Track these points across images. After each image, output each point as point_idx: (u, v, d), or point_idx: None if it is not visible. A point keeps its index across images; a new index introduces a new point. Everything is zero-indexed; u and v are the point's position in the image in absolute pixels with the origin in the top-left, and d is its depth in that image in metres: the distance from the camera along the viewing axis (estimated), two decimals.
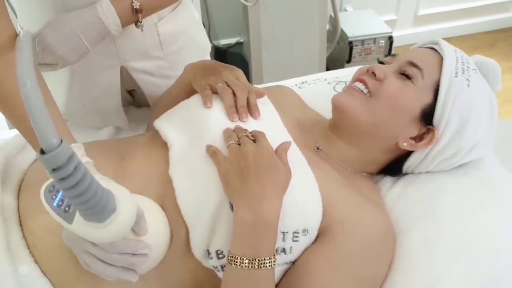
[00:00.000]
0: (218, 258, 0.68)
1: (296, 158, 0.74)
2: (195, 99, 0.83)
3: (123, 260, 0.62)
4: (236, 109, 0.79)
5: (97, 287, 0.70)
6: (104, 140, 0.99)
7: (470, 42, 2.88)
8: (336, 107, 0.82)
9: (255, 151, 0.68)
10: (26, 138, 0.76)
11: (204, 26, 2.17)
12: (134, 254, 0.62)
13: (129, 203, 0.57)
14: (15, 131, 0.80)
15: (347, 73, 1.16)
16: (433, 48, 0.85)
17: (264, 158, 0.67)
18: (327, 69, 2.36)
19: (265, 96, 0.86)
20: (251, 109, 0.80)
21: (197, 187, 0.71)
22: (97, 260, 0.62)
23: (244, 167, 0.66)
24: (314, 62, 2.23)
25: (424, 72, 0.79)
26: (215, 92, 0.82)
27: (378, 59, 0.89)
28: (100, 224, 0.53)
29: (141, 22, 0.86)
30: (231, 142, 0.70)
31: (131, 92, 1.14)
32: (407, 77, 0.80)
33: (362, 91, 0.82)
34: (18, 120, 0.74)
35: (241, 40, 2.60)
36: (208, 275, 0.71)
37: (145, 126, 1.08)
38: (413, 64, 0.80)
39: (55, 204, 0.56)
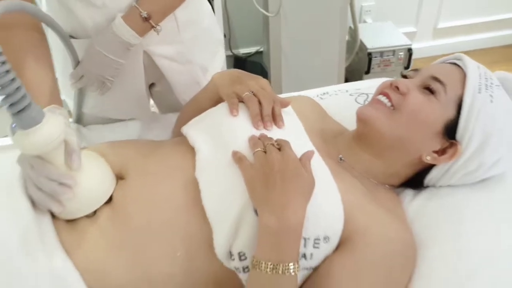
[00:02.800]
0: (240, 260, 0.70)
1: (319, 167, 0.76)
2: (222, 108, 0.85)
3: (48, 186, 0.70)
4: (261, 118, 0.81)
5: (129, 275, 0.72)
6: (130, 140, 1.02)
7: (489, 56, 2.86)
8: (361, 119, 0.84)
9: (281, 160, 0.69)
10: None
11: (225, 36, 2.20)
12: (60, 184, 0.71)
13: (57, 127, 0.67)
14: None
15: (368, 85, 1.18)
16: (456, 64, 0.86)
17: (289, 166, 0.69)
18: (346, 80, 2.37)
19: (289, 106, 0.88)
20: (275, 119, 0.82)
21: (223, 190, 0.73)
22: (32, 184, 0.72)
23: (269, 174, 0.68)
24: (333, 73, 2.25)
25: (447, 88, 0.80)
26: (241, 100, 0.84)
27: (401, 73, 0.90)
28: (24, 131, 0.64)
29: (155, 27, 0.96)
30: (257, 150, 0.72)
31: (150, 90, 1.19)
32: (431, 91, 0.81)
33: (385, 104, 0.83)
34: None
35: (261, 50, 2.63)
36: (228, 275, 0.73)
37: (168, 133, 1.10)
38: (436, 79, 0.81)
39: (12, 126, 0.67)
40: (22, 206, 0.73)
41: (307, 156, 0.73)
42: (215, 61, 1.20)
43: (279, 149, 0.72)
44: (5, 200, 0.75)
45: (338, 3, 2.04)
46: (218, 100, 0.92)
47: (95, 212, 0.76)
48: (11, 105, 0.61)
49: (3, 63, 0.57)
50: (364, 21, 2.67)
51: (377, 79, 1.29)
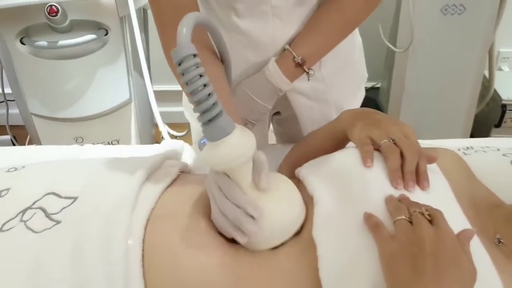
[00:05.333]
0: None
1: (478, 253, 0.58)
2: (350, 154, 0.71)
3: (233, 213, 0.60)
4: (402, 174, 0.65)
5: None
6: None
7: None
8: None
9: (434, 237, 0.53)
10: None
11: None
12: (246, 213, 0.60)
13: (248, 139, 0.60)
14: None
15: None
16: None
17: (446, 248, 0.52)
18: (472, 131, 2.11)
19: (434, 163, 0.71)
20: (419, 177, 0.66)
21: (347, 263, 0.58)
22: (217, 208, 0.63)
23: (418, 255, 0.52)
24: (459, 122, 2.01)
25: None
26: (376, 149, 0.69)
27: None
28: (213, 142, 0.58)
29: (308, 72, 0.88)
30: (400, 217, 0.56)
31: (273, 116, 1.08)
32: None
33: None
34: None
35: (377, 85, 2.45)
36: None
37: None
38: None
39: (201, 142, 0.64)
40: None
41: (466, 236, 0.55)
42: (354, 100, 1.07)
43: (430, 221, 0.56)
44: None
45: (477, 47, 1.83)
46: (342, 141, 0.78)
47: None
48: (203, 112, 0.57)
49: (196, 66, 0.54)
50: (500, 69, 2.39)
51: None
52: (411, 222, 0.55)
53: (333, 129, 0.81)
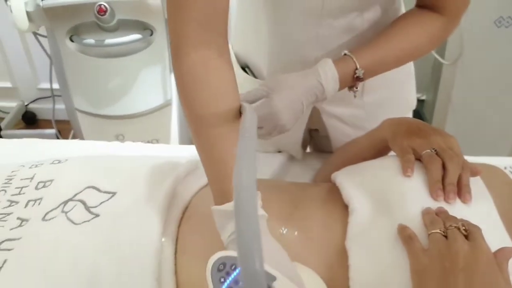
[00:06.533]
0: None
1: None
2: (390, 162, 0.68)
3: None
4: (443, 186, 0.62)
5: None
6: (277, 182, 0.89)
7: None
8: None
9: (469, 253, 0.50)
10: (206, 172, 0.65)
11: None
12: None
13: None
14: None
15: None
16: None
17: (481, 266, 0.49)
18: None
19: (479, 176, 0.67)
20: (461, 190, 0.62)
21: (377, 274, 0.56)
22: None
23: (450, 271, 0.49)
24: (506, 140, 1.91)
25: None
26: (418, 158, 0.66)
27: None
28: None
29: (357, 89, 0.76)
30: (434, 231, 0.54)
31: (311, 132, 1.04)
32: None
33: None
34: (205, 149, 0.65)
35: (422, 98, 2.38)
36: None
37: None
38: None
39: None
40: None
41: (505, 254, 0.52)
42: None
43: (466, 237, 0.53)
44: None
45: None
46: (383, 151, 0.76)
47: None
48: None
49: None
50: None
51: None
52: (446, 237, 0.53)
53: (374, 137, 0.78)
